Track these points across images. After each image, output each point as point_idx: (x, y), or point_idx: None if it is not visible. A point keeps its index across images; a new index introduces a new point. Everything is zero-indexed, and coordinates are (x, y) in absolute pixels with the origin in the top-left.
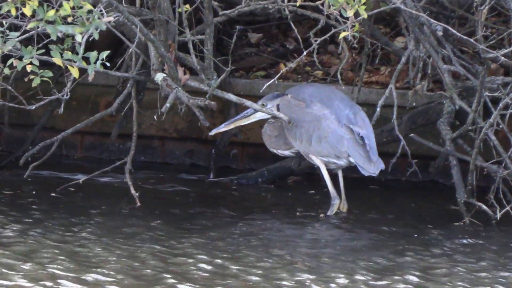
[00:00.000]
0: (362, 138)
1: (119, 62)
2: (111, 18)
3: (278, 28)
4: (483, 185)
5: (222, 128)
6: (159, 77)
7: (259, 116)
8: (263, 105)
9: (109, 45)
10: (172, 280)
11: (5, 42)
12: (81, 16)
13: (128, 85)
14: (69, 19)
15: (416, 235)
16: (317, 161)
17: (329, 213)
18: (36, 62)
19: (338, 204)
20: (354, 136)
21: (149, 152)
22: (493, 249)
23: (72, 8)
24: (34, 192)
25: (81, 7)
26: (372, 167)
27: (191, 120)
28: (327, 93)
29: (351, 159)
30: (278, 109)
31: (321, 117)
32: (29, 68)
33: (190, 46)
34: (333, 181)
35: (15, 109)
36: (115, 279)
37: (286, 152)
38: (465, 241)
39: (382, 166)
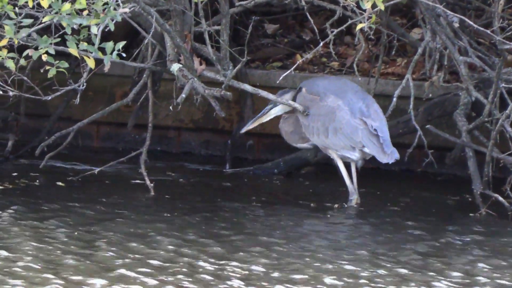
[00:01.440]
0: (375, 130)
1: (135, 53)
2: (127, 10)
3: (295, 19)
4: (499, 176)
5: (250, 126)
6: (175, 67)
7: (275, 112)
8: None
9: (125, 36)
10: (186, 270)
11: (18, 31)
12: (96, 9)
13: (144, 75)
14: (85, 13)
15: (431, 226)
16: (334, 155)
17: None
18: (52, 51)
19: (356, 199)
20: (367, 127)
21: (165, 142)
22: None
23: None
24: (49, 182)
25: (93, 2)
26: (386, 157)
27: (207, 110)
28: (340, 85)
29: (366, 150)
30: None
31: (335, 108)
32: (44, 57)
33: (206, 36)
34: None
35: (31, 99)
36: (130, 268)
37: (304, 145)
38: (481, 232)
39: (397, 156)
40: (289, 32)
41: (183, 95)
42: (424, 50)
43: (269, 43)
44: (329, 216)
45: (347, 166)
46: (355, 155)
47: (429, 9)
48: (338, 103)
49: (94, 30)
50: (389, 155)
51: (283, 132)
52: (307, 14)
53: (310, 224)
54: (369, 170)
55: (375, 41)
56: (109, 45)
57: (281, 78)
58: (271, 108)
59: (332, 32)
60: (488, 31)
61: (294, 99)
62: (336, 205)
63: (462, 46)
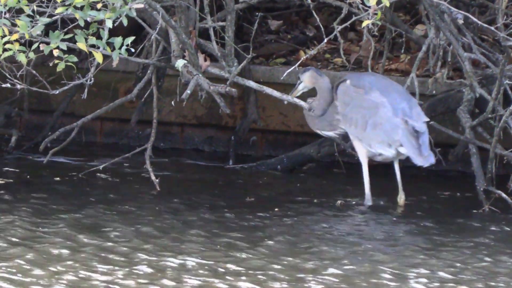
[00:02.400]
0: (416, 131)
1: (139, 48)
2: (141, 5)
3: (298, 15)
4: (503, 173)
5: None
6: (179, 63)
7: (301, 88)
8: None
9: (129, 31)
10: (190, 266)
11: (33, 27)
12: (111, 3)
13: (149, 71)
14: (99, 6)
15: (436, 223)
16: (362, 152)
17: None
18: (64, 47)
19: (368, 205)
20: (407, 127)
21: (168, 138)
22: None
23: None
24: (53, 178)
25: None
26: (422, 160)
27: (211, 106)
28: (386, 84)
29: (402, 150)
30: (336, 93)
31: (379, 104)
32: (56, 52)
33: (211, 32)
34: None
35: (35, 94)
36: (133, 264)
37: (330, 133)
38: (485, 229)
39: (432, 160)
40: (292, 28)
41: (188, 91)
42: (428, 46)
43: (273, 39)
44: (331, 213)
45: (388, 165)
46: (390, 152)
47: (433, 6)
48: (383, 100)
49: (109, 24)
50: (425, 158)
51: (308, 118)
52: (313, 11)
53: (313, 220)
54: (373, 167)
55: (379, 38)
56: (117, 40)
57: (285, 74)
58: (298, 84)
59: (337, 28)
60: (492, 28)
61: (336, 89)
62: (338, 202)
63: (466, 43)
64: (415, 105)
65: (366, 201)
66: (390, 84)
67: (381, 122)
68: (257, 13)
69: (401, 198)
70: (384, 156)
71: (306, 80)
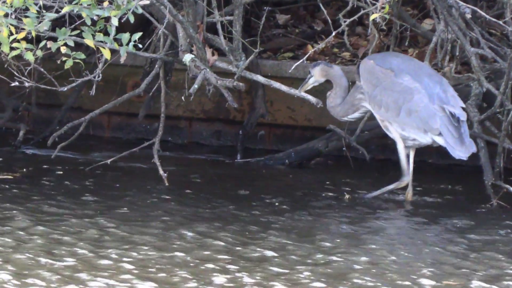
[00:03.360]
0: (457, 119)
1: (147, 43)
2: (147, 1)
3: (306, 9)
4: (511, 167)
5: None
6: (187, 58)
7: (312, 82)
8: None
9: (136, 26)
10: (199, 261)
11: (39, 23)
12: (117, 0)
13: (156, 66)
14: (105, 4)
15: (443, 218)
16: (395, 134)
17: (392, 186)
18: (71, 43)
19: (406, 182)
20: (446, 115)
21: (176, 133)
22: None
23: None
24: (61, 173)
25: None
26: (463, 149)
27: (218, 101)
28: (414, 67)
29: (438, 140)
30: (358, 73)
31: (414, 90)
32: (63, 49)
33: (219, 27)
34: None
35: (42, 89)
36: (143, 259)
37: (356, 115)
38: (493, 223)
39: (474, 149)
40: (300, 22)
41: (196, 86)
42: (436, 41)
43: (281, 34)
44: (338, 206)
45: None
46: (425, 139)
47: (441, 0)
48: (415, 85)
49: (114, 21)
50: (466, 148)
51: (331, 111)
52: (320, 4)
53: (322, 214)
54: (381, 161)
55: (386, 32)
56: (125, 36)
57: (292, 68)
58: (308, 79)
59: (344, 22)
60: (500, 22)
61: (357, 69)
62: (346, 196)
63: (474, 37)
64: (448, 87)
65: (404, 175)
66: (418, 66)
67: (416, 110)
68: (264, 7)
69: (408, 193)
70: (417, 142)
71: (317, 74)
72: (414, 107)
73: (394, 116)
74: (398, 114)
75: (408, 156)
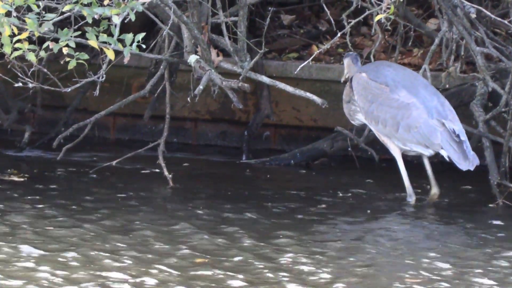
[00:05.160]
0: (458, 136)
1: (152, 44)
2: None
3: (311, 9)
4: None
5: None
6: (192, 59)
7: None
8: None
9: (141, 27)
10: (204, 260)
11: (41, 24)
12: None
13: (161, 67)
14: (106, 2)
15: (448, 217)
16: (394, 149)
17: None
18: (73, 44)
19: (414, 201)
20: (445, 129)
21: (181, 134)
22: None
23: None
24: (67, 175)
25: None
26: (467, 163)
27: (224, 101)
28: (410, 79)
29: (443, 151)
30: (351, 86)
31: (411, 106)
32: (65, 50)
33: (224, 28)
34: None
35: (48, 90)
36: (148, 260)
37: (355, 122)
38: (499, 223)
39: (477, 161)
40: (305, 23)
41: (201, 87)
42: (441, 40)
43: (285, 34)
44: (344, 207)
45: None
46: (428, 152)
47: (446, 0)
48: (413, 100)
49: (115, 20)
50: (470, 162)
51: (343, 104)
52: (324, 5)
53: (327, 216)
54: (386, 160)
55: (391, 32)
56: (128, 36)
57: (298, 69)
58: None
59: (349, 22)
60: (505, 21)
61: (350, 82)
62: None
63: (479, 37)
64: (445, 100)
65: (409, 195)
66: (413, 76)
67: (416, 126)
68: (269, 8)
69: (435, 193)
70: (419, 153)
71: (345, 66)
72: (414, 123)
73: (393, 132)
74: (397, 130)
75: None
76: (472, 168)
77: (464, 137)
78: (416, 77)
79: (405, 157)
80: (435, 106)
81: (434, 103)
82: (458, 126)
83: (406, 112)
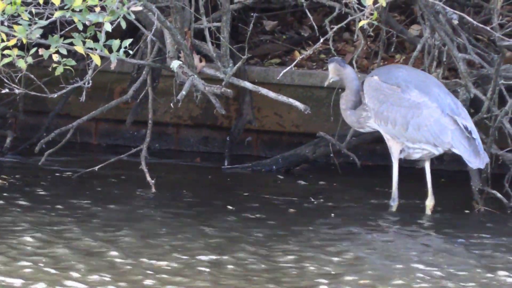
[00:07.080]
0: (470, 132)
1: (134, 50)
2: (140, 8)
3: (293, 15)
4: (498, 173)
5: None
6: (175, 64)
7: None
8: None
9: (123, 33)
10: (182, 267)
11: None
12: (109, 6)
13: (144, 72)
14: (97, 9)
15: (429, 223)
16: (395, 152)
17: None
18: (64, 51)
19: (395, 206)
20: (458, 127)
21: (163, 139)
22: (508, 237)
23: None
24: (48, 180)
25: None
26: (478, 161)
27: (206, 107)
28: (421, 79)
29: (455, 151)
30: (363, 90)
31: (422, 104)
32: (55, 57)
33: (207, 33)
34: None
35: (30, 96)
36: (125, 264)
37: (362, 131)
38: (480, 229)
39: (487, 160)
40: (287, 28)
41: (184, 92)
42: (423, 46)
43: (268, 40)
44: (331, 214)
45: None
46: (438, 150)
47: (428, 6)
48: (424, 99)
49: (107, 27)
50: (481, 159)
51: (342, 112)
52: (306, 10)
53: (310, 222)
54: (369, 167)
55: (374, 38)
56: (115, 42)
57: (280, 75)
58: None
59: (331, 28)
60: (487, 28)
61: (362, 86)
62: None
63: (461, 43)
64: (457, 100)
65: (392, 200)
66: (426, 77)
67: (426, 124)
68: (252, 14)
69: (430, 202)
70: (426, 151)
71: (331, 71)
72: (424, 121)
73: (402, 132)
74: (406, 129)
75: (424, 170)
76: (482, 166)
77: (476, 135)
78: (429, 78)
79: (401, 164)
80: (449, 103)
81: (448, 101)
82: (470, 124)
83: (416, 111)
